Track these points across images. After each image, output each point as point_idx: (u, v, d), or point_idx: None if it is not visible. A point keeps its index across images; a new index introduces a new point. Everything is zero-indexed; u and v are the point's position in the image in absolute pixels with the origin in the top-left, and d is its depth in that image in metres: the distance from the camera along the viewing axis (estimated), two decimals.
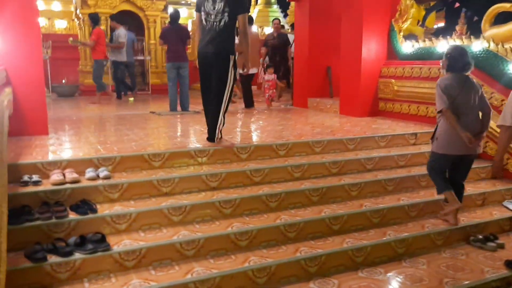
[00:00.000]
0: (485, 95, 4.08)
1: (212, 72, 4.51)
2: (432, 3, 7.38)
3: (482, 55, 5.49)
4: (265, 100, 8.84)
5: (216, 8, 4.39)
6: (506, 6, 7.23)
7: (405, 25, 6.74)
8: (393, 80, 6.71)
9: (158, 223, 3.56)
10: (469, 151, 3.97)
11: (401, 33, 6.80)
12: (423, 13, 7.16)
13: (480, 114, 4.00)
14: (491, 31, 7.15)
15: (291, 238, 3.69)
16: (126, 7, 11.92)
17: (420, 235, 3.91)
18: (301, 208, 4.06)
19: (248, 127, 6.25)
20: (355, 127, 5.99)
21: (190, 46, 10.75)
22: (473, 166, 4.35)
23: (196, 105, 7.75)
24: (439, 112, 3.98)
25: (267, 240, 3.59)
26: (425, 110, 6.26)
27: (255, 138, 5.38)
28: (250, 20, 8.20)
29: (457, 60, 3.93)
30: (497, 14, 7.66)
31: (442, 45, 6.06)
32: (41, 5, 14.10)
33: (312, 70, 8.37)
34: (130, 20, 11.85)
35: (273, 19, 11.10)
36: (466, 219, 4.32)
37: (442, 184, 4.09)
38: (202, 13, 4.51)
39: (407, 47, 6.67)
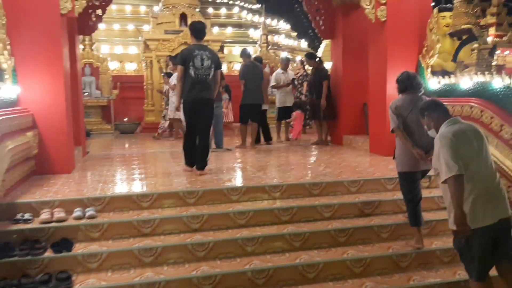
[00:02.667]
0: None
1: (202, 113, 5.47)
2: (464, 37, 6.98)
3: (502, 92, 5.10)
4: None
5: (204, 65, 5.43)
6: None
7: (432, 61, 6.45)
8: None
9: (129, 264, 3.74)
10: (427, 166, 4.09)
11: (429, 69, 6.52)
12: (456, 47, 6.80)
13: None
14: None
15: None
16: None
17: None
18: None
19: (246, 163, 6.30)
20: (369, 167, 5.81)
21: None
22: None
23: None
24: (392, 131, 4.21)
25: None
26: None
27: (244, 175, 5.43)
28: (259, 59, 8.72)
29: (404, 82, 4.28)
30: None
31: (465, 81, 5.72)
32: (116, 49, 15.61)
33: (347, 106, 8.26)
34: None
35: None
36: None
37: (412, 219, 4.16)
38: (191, 67, 5.39)
39: (433, 83, 6.37)
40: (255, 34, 17.93)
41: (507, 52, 10.15)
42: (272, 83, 9.33)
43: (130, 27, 16.93)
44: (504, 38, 6.71)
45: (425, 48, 6.58)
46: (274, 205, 4.54)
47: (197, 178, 5.28)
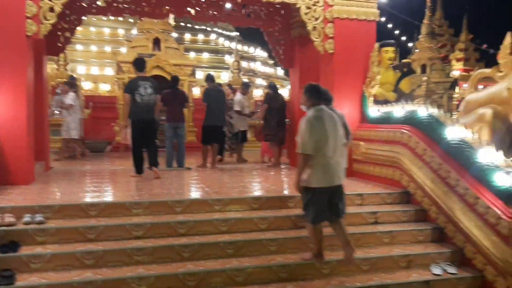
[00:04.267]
0: (347, 122, 5.21)
1: (147, 130, 6.81)
2: (405, 69, 7.62)
3: (426, 119, 5.66)
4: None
5: (147, 92, 6.68)
6: (486, 71, 7.39)
7: (373, 91, 7.03)
8: (361, 143, 6.94)
9: (71, 265, 4.07)
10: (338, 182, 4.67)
11: (371, 98, 7.09)
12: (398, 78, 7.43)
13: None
14: (471, 96, 7.31)
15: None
16: (157, 72, 13.13)
17: None
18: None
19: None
20: None
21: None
22: (412, 228, 5.13)
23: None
24: None
25: None
26: (385, 172, 6.40)
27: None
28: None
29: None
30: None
31: (398, 110, 6.29)
32: (92, 70, 16.03)
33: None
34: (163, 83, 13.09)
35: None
36: (377, 279, 4.41)
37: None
38: (137, 95, 6.60)
39: (373, 111, 6.94)
40: (231, 60, 18.56)
41: (466, 85, 10.90)
42: (237, 108, 9.81)
43: (108, 49, 17.43)
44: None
45: (368, 79, 7.17)
46: (214, 217, 4.94)
47: (146, 191, 5.69)
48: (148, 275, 4.01)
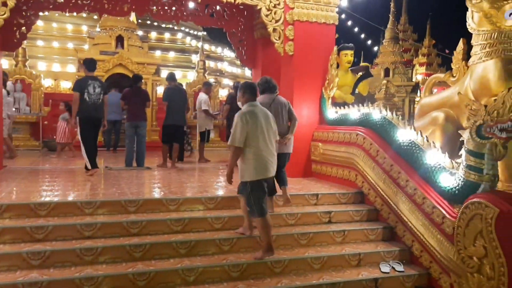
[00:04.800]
0: (292, 109, 5.61)
1: (95, 127, 7.04)
2: (363, 72, 7.80)
3: (379, 121, 5.81)
4: None
5: (96, 91, 6.92)
6: (440, 76, 7.63)
7: (332, 93, 7.15)
8: (320, 144, 7.06)
9: (17, 266, 3.98)
10: (283, 150, 5.43)
11: (330, 100, 7.22)
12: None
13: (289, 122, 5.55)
14: (425, 99, 7.54)
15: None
16: (120, 70, 12.95)
17: None
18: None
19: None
20: None
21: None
22: (364, 227, 5.28)
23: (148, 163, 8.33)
24: None
25: None
26: (341, 173, 6.52)
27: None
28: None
29: (263, 85, 5.45)
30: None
31: (354, 112, 6.43)
32: (54, 67, 15.62)
33: None
34: (126, 81, 12.90)
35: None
36: (328, 277, 4.50)
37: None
38: (86, 93, 6.82)
39: (331, 113, 7.07)
40: (198, 59, 18.45)
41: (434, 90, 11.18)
42: (205, 107, 9.75)
43: (70, 45, 17.01)
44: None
45: (327, 81, 7.29)
46: (168, 216, 4.92)
47: (100, 191, 5.62)
48: (97, 275, 3.95)
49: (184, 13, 8.44)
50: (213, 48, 21.84)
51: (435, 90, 9.29)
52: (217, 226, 4.99)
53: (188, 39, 20.50)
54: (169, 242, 4.53)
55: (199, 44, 20.40)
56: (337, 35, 7.77)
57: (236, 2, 6.96)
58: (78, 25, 18.01)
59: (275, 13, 7.12)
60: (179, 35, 20.10)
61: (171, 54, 18.81)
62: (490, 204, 3.99)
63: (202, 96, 9.80)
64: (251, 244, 4.79)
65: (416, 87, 17.76)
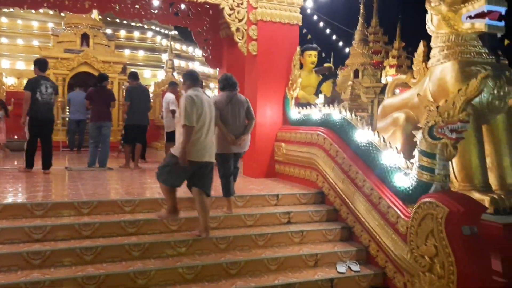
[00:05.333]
0: (251, 107, 5.52)
1: (45, 128, 7.06)
2: (326, 73, 7.85)
3: (339, 122, 5.84)
4: None
5: (48, 91, 6.98)
6: (402, 78, 7.73)
7: (295, 93, 7.16)
8: (283, 144, 7.06)
9: None
10: (238, 149, 5.38)
11: (293, 100, 7.22)
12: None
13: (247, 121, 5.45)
14: (387, 100, 7.62)
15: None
16: (85, 69, 12.69)
17: None
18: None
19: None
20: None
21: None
22: (323, 227, 5.28)
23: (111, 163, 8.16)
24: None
25: None
26: (303, 173, 6.53)
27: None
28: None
29: (223, 82, 5.44)
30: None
31: (315, 113, 6.44)
32: (18, 65, 15.20)
33: None
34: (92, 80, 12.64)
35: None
36: (283, 278, 4.48)
37: (225, 190, 5.32)
38: (38, 93, 6.85)
39: (294, 113, 7.07)
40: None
41: (397, 91, 11.33)
42: (173, 107, 9.57)
43: (36, 43, 16.59)
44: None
45: (290, 82, 7.29)
46: (122, 218, 4.81)
47: (54, 192, 5.47)
48: (43, 279, 3.82)
49: (148, 11, 8.31)
50: (184, 47, 21.67)
51: (397, 91, 9.43)
52: (173, 228, 4.91)
53: (158, 38, 20.27)
54: (122, 244, 4.43)
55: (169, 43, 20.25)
56: (309, 36, 7.82)
57: (199, 1, 6.89)
58: (43, 22, 17.57)
59: (238, 13, 7.08)
60: (149, 34, 19.86)
61: (141, 53, 18.57)
62: (440, 203, 4.05)
63: (169, 96, 9.64)
64: (207, 245, 4.73)
65: (385, 88, 18.03)
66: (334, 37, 25.47)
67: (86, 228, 4.55)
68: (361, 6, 19.52)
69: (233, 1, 7.03)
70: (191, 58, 21.40)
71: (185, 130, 4.51)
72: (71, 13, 9.66)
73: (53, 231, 4.42)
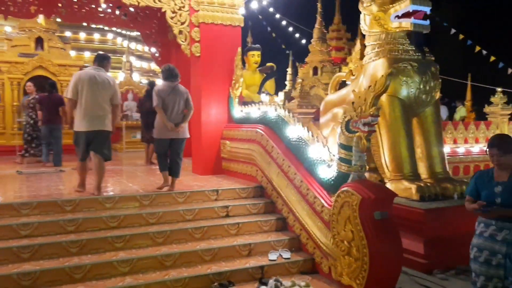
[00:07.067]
0: (190, 98, 6.13)
1: None
2: (268, 72, 8.16)
3: (274, 119, 6.15)
4: None
5: None
6: (342, 75, 8.11)
7: (238, 92, 7.44)
8: (227, 141, 7.34)
9: None
10: (177, 136, 5.93)
11: (236, 99, 7.50)
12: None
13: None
14: (328, 97, 7.98)
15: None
16: (40, 72, 12.63)
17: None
18: None
19: None
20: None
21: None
22: (259, 219, 5.64)
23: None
24: (154, 107, 5.88)
25: None
26: (245, 169, 6.82)
27: None
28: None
29: (165, 72, 6.00)
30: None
31: (255, 111, 6.74)
32: None
33: None
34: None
35: None
36: (216, 267, 4.76)
37: (161, 166, 6.04)
38: None
39: (237, 112, 7.36)
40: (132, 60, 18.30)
41: None
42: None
43: None
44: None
45: (233, 81, 7.57)
46: (61, 217, 5.00)
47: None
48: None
49: (96, 15, 8.45)
50: (146, 48, 21.66)
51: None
52: (113, 225, 5.12)
53: (119, 39, 20.22)
54: (59, 242, 4.63)
55: (132, 45, 20.22)
56: (274, 34, 8.13)
57: (140, 5, 7.09)
58: (0, 25, 17.36)
59: (180, 16, 7.31)
60: (110, 36, 19.80)
61: None
62: (355, 192, 4.39)
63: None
64: (146, 240, 4.96)
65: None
66: (297, 35, 25.95)
67: (25, 228, 4.73)
68: (319, 5, 19.93)
69: (175, 4, 7.25)
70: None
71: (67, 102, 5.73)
72: (16, 17, 9.62)
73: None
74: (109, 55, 6.15)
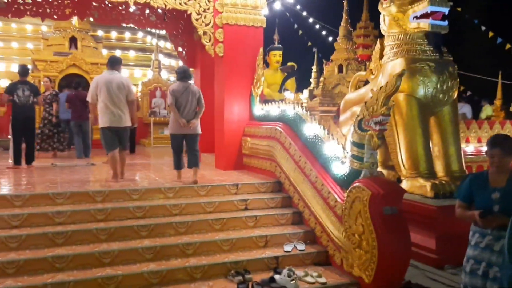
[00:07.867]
0: (202, 97, 6.59)
1: (27, 125, 7.88)
2: (289, 71, 8.38)
3: (292, 117, 6.40)
4: None
5: (25, 94, 7.78)
6: (362, 74, 8.28)
7: (259, 91, 7.71)
8: (248, 138, 7.62)
9: None
10: (190, 131, 6.44)
11: (258, 98, 7.77)
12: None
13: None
14: (348, 95, 8.18)
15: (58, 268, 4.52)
16: (74, 70, 13.25)
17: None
18: None
19: None
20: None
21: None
22: (275, 213, 5.90)
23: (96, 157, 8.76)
24: (169, 105, 6.44)
25: None
26: (265, 165, 7.09)
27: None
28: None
29: (180, 73, 6.51)
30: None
31: (274, 109, 7.00)
32: (10, 67, 15.76)
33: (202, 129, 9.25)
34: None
35: None
36: (234, 256, 5.05)
37: (175, 163, 6.56)
38: (15, 96, 7.70)
39: (258, 110, 7.63)
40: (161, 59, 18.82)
41: None
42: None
43: (30, 46, 17.14)
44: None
45: (255, 80, 7.84)
46: (94, 207, 5.40)
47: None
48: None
49: (126, 17, 8.87)
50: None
51: None
52: (139, 215, 5.49)
53: (149, 38, 20.79)
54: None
55: (160, 43, 20.76)
56: (300, 32, 8.38)
57: (167, 7, 7.44)
58: (37, 25, 18.13)
59: (205, 17, 7.63)
60: (140, 34, 20.39)
61: (132, 53, 19.13)
62: (365, 187, 4.61)
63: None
64: (169, 230, 5.30)
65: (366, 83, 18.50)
66: (324, 32, 26.00)
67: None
68: (345, 2, 19.96)
69: (200, 6, 7.57)
70: None
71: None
72: (52, 19, 10.17)
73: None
74: (120, 57, 7.03)
